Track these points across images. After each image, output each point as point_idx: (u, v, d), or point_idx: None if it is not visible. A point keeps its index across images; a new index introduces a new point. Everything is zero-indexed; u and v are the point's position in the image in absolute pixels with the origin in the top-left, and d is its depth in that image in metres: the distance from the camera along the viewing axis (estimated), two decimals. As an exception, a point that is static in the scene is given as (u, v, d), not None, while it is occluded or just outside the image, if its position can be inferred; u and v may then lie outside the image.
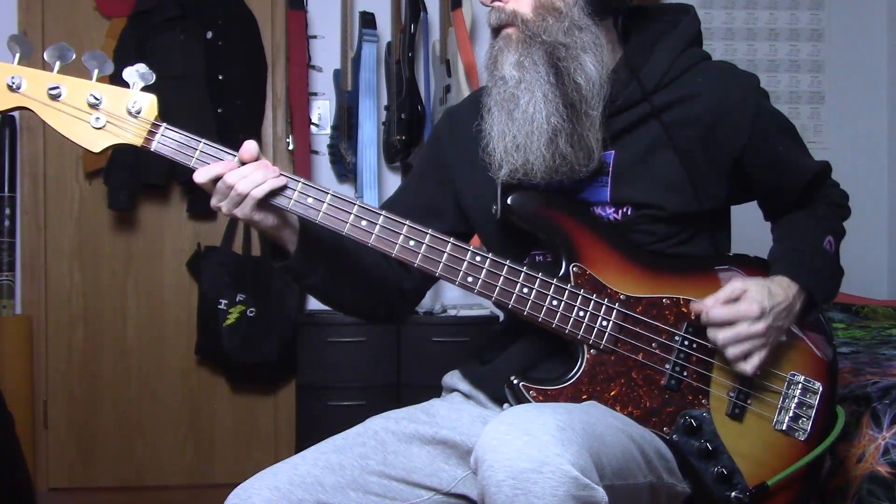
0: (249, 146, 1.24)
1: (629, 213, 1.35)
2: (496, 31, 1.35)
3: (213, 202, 1.25)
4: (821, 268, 1.37)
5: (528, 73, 1.29)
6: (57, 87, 1.22)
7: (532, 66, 1.29)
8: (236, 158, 1.24)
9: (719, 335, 1.27)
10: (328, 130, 3.42)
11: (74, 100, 1.23)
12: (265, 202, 1.24)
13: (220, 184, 1.23)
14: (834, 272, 1.41)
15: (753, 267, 1.38)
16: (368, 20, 3.29)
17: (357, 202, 1.27)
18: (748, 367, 1.28)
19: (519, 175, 1.30)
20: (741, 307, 1.27)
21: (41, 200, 3.41)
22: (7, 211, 3.35)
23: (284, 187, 1.25)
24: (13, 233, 3.37)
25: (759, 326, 1.27)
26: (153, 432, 3.44)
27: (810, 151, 1.45)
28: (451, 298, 3.35)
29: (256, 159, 1.24)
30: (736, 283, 1.29)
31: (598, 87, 1.30)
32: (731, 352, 1.27)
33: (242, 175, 1.22)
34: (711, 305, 1.27)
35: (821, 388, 1.36)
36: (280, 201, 1.25)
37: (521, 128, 1.29)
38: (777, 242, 1.43)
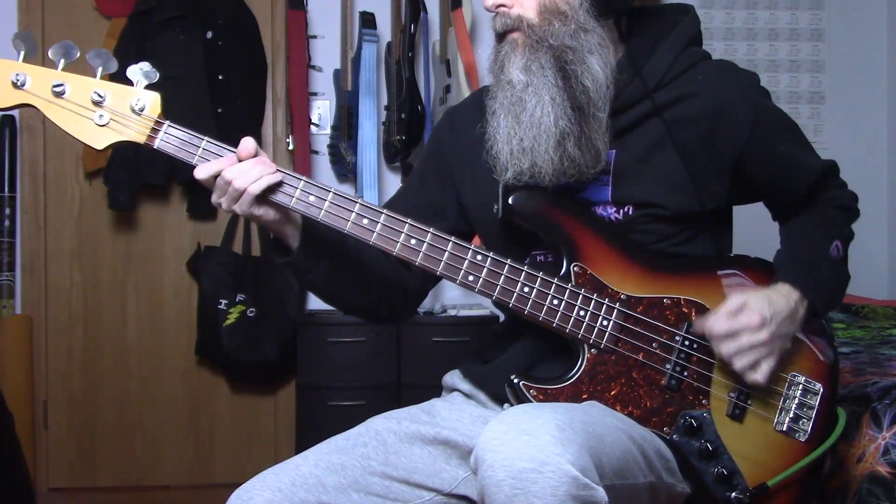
0: (247, 143, 1.24)
1: (630, 212, 1.35)
2: (501, 36, 1.34)
3: (214, 198, 1.25)
4: (825, 275, 1.37)
5: (536, 77, 1.29)
6: (61, 85, 1.22)
7: (539, 70, 1.29)
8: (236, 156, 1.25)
9: (723, 348, 1.27)
10: (328, 130, 3.42)
11: (78, 97, 1.23)
12: (264, 198, 1.24)
13: (218, 180, 1.23)
14: (838, 278, 1.40)
15: (755, 268, 1.38)
16: (368, 20, 3.29)
17: (359, 201, 1.27)
18: (759, 376, 1.28)
19: (525, 178, 1.29)
20: (742, 318, 1.26)
21: (41, 200, 3.41)
22: (7, 211, 3.35)
23: (281, 183, 1.25)
24: (13, 233, 3.37)
25: (762, 336, 1.27)
26: (153, 432, 3.44)
27: (810, 151, 1.44)
28: (452, 298, 3.35)
29: (254, 155, 1.24)
30: (736, 297, 1.29)
31: (604, 89, 1.30)
32: (738, 363, 1.27)
33: (241, 171, 1.22)
34: (713, 321, 1.27)
35: (821, 390, 1.35)
36: (282, 199, 1.25)
37: (528, 131, 1.28)
38: (783, 247, 1.42)
